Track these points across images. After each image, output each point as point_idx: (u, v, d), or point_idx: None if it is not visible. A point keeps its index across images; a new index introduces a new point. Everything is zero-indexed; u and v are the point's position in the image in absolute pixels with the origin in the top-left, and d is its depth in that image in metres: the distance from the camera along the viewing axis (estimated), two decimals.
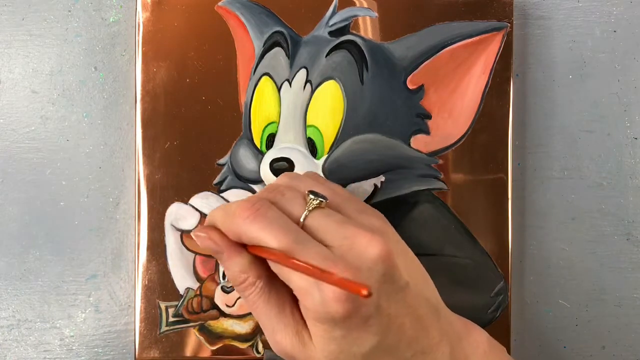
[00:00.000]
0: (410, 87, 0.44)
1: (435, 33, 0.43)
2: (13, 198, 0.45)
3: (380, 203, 0.43)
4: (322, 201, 0.33)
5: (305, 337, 0.33)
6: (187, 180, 0.44)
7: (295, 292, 0.32)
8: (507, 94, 0.44)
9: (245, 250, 0.34)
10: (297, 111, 0.43)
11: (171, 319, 0.43)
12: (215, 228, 0.34)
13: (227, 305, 0.43)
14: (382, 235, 0.32)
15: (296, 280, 0.31)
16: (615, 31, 0.47)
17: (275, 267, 0.33)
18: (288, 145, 0.43)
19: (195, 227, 0.43)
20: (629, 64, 0.47)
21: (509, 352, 0.44)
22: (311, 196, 0.33)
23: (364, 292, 0.26)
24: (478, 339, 0.35)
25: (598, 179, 0.47)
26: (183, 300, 0.43)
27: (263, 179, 0.43)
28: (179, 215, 0.43)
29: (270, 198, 0.33)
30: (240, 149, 0.44)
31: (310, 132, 0.43)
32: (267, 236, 0.31)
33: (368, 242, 0.31)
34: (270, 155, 0.43)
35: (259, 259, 0.34)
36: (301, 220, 0.32)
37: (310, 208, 0.33)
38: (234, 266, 0.34)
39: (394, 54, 0.43)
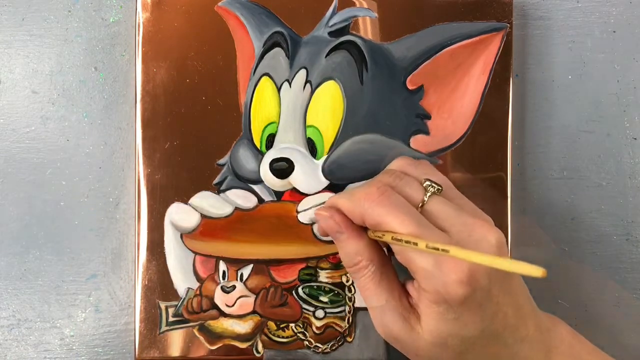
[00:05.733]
0: (410, 87, 0.44)
1: (434, 33, 0.43)
2: (13, 198, 0.45)
3: None
4: (439, 189, 0.35)
5: (412, 321, 0.34)
6: (187, 180, 0.44)
7: (415, 274, 0.34)
8: (506, 94, 0.44)
9: (364, 234, 0.36)
10: (296, 111, 0.43)
11: (171, 319, 0.43)
12: (337, 210, 0.36)
13: (227, 305, 0.43)
14: (494, 227, 0.34)
15: (418, 262, 0.33)
16: (614, 31, 0.47)
17: (397, 249, 0.34)
18: (288, 146, 0.43)
19: (196, 227, 0.43)
20: (629, 64, 0.47)
21: None
22: (428, 183, 0.35)
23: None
24: (563, 330, 0.37)
25: (597, 179, 0.47)
26: (183, 300, 0.43)
27: (263, 179, 0.43)
28: (179, 215, 0.43)
29: (389, 183, 0.35)
30: (240, 149, 0.44)
31: (310, 133, 0.43)
32: (393, 220, 0.33)
33: (486, 230, 0.33)
34: (270, 156, 0.43)
35: (373, 244, 0.36)
36: (420, 205, 0.34)
37: (429, 194, 0.34)
38: (350, 247, 0.36)
39: (394, 54, 0.44)
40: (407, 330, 0.34)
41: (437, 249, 0.31)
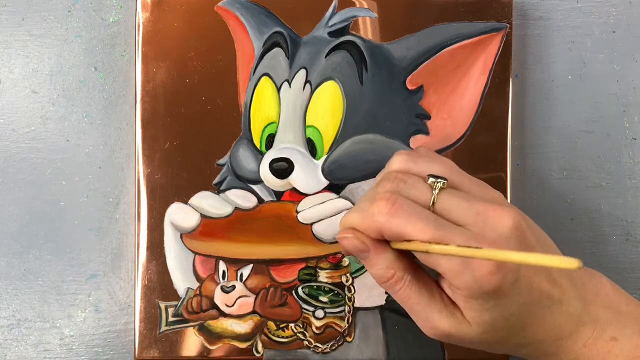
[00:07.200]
0: (410, 87, 0.44)
1: (434, 34, 0.43)
2: (13, 198, 0.45)
3: None
4: (444, 182, 0.34)
5: (458, 315, 0.35)
6: (187, 180, 0.44)
7: (444, 275, 0.34)
8: (506, 94, 0.44)
9: (388, 246, 0.35)
10: (296, 111, 0.43)
11: (171, 319, 0.43)
12: (355, 229, 0.36)
13: (227, 305, 0.44)
14: (506, 205, 0.35)
15: (445, 263, 0.33)
16: (614, 32, 0.47)
17: (421, 256, 0.34)
18: (287, 146, 0.43)
19: (195, 227, 0.43)
20: (628, 64, 0.47)
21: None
22: (432, 179, 0.34)
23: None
24: (599, 283, 0.37)
25: (597, 179, 0.47)
26: (183, 300, 0.44)
27: (263, 179, 0.43)
28: (179, 215, 0.43)
29: (394, 189, 0.35)
30: (239, 149, 0.44)
31: (310, 133, 0.43)
32: (412, 228, 0.33)
33: (499, 214, 0.33)
34: (269, 156, 0.43)
35: (400, 253, 0.35)
36: (431, 204, 0.34)
37: (437, 191, 0.34)
38: (381, 263, 0.35)
39: (394, 54, 0.44)
40: (456, 325, 0.35)
41: (469, 247, 0.31)
